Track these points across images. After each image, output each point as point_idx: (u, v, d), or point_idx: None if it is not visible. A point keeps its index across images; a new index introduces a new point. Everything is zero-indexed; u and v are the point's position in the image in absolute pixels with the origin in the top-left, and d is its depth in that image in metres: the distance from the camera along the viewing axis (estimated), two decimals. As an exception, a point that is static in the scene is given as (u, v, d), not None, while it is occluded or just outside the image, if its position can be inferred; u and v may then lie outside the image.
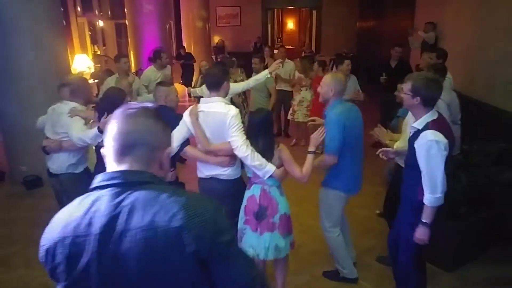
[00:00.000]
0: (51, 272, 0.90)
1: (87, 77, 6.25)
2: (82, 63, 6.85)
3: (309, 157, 2.27)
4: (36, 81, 4.35)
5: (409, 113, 2.65)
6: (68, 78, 3.09)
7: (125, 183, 0.89)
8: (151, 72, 4.86)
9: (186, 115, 2.39)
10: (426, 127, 1.99)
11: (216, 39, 12.35)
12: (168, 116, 2.29)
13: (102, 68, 7.23)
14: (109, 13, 9.35)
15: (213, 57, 10.90)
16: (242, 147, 2.19)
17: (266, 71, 3.72)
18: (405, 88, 2.07)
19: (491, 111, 3.97)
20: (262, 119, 2.28)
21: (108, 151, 0.94)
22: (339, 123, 2.37)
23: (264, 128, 2.28)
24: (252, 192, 2.29)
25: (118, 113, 0.95)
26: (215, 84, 2.33)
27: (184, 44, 10.32)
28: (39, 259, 0.93)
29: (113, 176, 0.90)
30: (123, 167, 0.91)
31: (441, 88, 2.07)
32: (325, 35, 12.74)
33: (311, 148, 2.29)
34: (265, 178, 2.22)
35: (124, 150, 0.91)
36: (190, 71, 8.70)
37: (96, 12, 9.01)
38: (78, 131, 2.66)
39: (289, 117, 5.84)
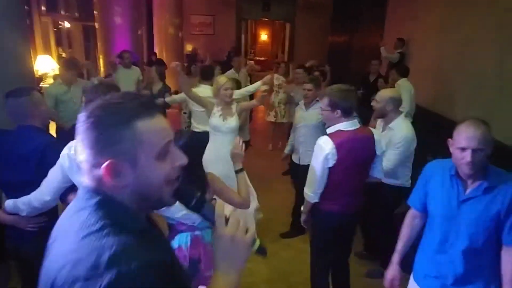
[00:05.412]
0: None
1: (53, 79, 5.95)
2: (45, 65, 6.53)
3: (241, 177, 1.92)
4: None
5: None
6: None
7: None
8: (120, 72, 5.31)
9: (65, 155, 1.68)
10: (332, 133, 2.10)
11: (189, 47, 12.25)
12: (54, 148, 1.72)
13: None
14: (76, 14, 9.00)
15: (185, 64, 10.76)
16: None
17: (259, 82, 3.60)
18: (323, 105, 2.15)
19: (452, 125, 4.18)
20: (182, 144, 1.59)
21: None
22: None
23: (189, 155, 1.50)
24: (178, 243, 1.79)
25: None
26: None
27: (156, 50, 10.14)
28: None
29: None
30: None
31: (355, 96, 2.19)
32: (298, 47, 12.98)
33: (239, 165, 1.92)
34: (196, 223, 1.78)
35: None
36: (162, 77, 8.53)
37: (62, 12, 8.64)
38: None
39: (271, 119, 5.88)
